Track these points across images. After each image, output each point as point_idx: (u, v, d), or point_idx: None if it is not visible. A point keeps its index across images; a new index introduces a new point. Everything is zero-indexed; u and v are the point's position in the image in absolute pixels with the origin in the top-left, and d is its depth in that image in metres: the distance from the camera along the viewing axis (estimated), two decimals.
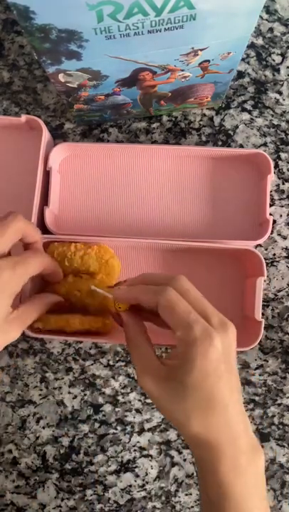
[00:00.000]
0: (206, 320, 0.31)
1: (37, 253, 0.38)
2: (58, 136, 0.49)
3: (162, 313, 0.31)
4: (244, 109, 0.50)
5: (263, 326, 0.41)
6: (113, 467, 0.46)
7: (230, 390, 0.31)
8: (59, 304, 0.41)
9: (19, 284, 0.34)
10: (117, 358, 0.46)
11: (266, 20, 0.51)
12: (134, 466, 0.46)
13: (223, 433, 0.30)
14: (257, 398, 0.46)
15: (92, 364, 0.47)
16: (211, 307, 0.32)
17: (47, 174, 0.45)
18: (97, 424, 0.46)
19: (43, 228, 0.45)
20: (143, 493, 0.45)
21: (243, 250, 0.43)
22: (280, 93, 0.50)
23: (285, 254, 0.48)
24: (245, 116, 0.50)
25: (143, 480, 0.45)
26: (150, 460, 0.46)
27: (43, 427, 0.46)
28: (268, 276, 0.48)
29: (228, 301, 0.46)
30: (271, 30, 0.51)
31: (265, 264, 0.42)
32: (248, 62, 0.50)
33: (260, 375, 0.46)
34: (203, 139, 0.49)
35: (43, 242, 0.42)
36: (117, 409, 0.46)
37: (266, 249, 0.48)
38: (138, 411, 0.46)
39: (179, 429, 0.32)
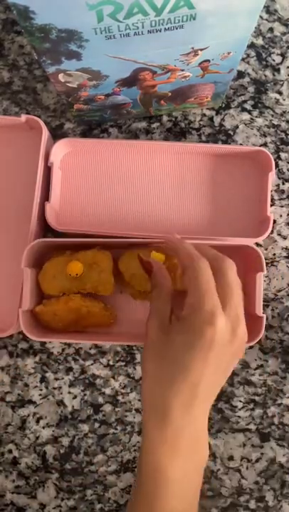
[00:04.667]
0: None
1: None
2: (58, 136, 0.49)
3: (186, 276, 0.31)
4: (244, 109, 0.50)
5: (264, 321, 0.41)
6: (113, 467, 0.46)
7: (207, 385, 0.30)
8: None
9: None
10: (117, 358, 0.47)
11: (266, 20, 0.51)
12: (134, 466, 0.46)
13: (180, 414, 0.30)
14: (257, 398, 0.46)
15: (92, 364, 0.47)
16: (236, 303, 0.31)
17: (48, 171, 0.45)
18: (97, 424, 0.46)
19: (44, 224, 0.45)
20: None
21: (242, 247, 0.43)
22: (280, 93, 0.50)
23: (285, 254, 0.48)
24: (245, 116, 0.50)
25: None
26: None
27: (43, 427, 0.46)
28: (267, 277, 0.48)
29: None
30: (271, 30, 0.51)
31: (264, 259, 0.42)
32: (248, 62, 0.50)
33: (260, 375, 0.46)
34: (203, 138, 0.49)
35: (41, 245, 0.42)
36: (117, 409, 0.46)
37: (266, 249, 0.48)
38: (138, 411, 0.46)
39: (143, 381, 0.32)
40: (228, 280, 0.32)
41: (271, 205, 0.48)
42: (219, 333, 0.30)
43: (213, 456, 0.46)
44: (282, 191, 0.49)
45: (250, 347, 0.46)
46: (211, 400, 0.32)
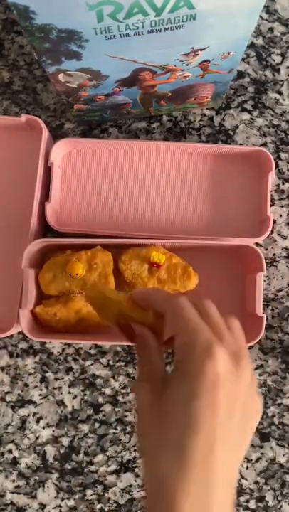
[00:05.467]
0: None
1: None
2: (58, 136, 0.49)
3: (168, 318, 0.27)
4: (244, 109, 0.50)
5: (264, 321, 0.42)
6: (113, 467, 0.46)
7: (226, 436, 0.24)
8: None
9: None
10: (117, 358, 0.47)
11: (266, 20, 0.51)
12: (134, 466, 0.46)
13: (192, 499, 0.23)
14: None
15: (92, 364, 0.47)
16: (229, 334, 0.27)
17: (48, 171, 0.45)
18: (97, 424, 0.46)
19: (44, 224, 0.45)
20: (143, 493, 0.45)
21: (242, 247, 0.43)
22: (280, 93, 0.50)
23: (285, 254, 0.48)
24: (245, 116, 0.50)
25: (143, 480, 0.45)
26: None
27: (43, 427, 0.46)
28: (267, 277, 0.48)
29: (228, 298, 0.46)
30: (271, 30, 0.51)
31: (264, 260, 0.42)
32: (248, 62, 0.50)
33: (260, 375, 0.46)
34: (203, 138, 0.49)
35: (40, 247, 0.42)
36: (117, 409, 0.46)
37: (266, 249, 0.48)
38: None
39: (144, 463, 0.26)
40: (213, 318, 0.27)
41: (271, 205, 0.48)
42: (222, 366, 0.24)
43: None
44: (282, 191, 0.49)
45: (250, 347, 0.46)
46: (237, 457, 0.26)
